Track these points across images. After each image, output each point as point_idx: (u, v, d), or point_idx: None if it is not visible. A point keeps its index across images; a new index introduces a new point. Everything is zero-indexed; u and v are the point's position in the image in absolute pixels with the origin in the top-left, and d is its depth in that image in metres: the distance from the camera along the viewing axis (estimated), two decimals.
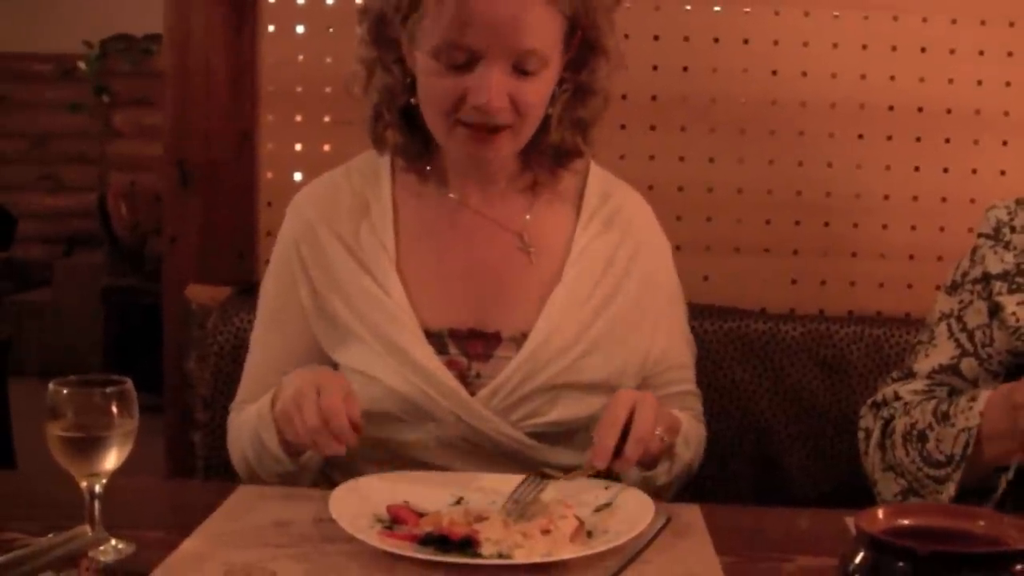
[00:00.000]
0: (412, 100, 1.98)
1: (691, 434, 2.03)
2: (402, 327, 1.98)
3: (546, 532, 1.61)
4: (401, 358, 1.96)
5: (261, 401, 1.95)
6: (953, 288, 2.10)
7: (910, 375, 2.10)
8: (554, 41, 1.92)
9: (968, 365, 2.05)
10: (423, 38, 1.89)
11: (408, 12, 1.90)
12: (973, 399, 1.91)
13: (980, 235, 2.08)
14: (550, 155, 2.06)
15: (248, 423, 1.97)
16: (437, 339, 1.99)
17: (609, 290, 2.05)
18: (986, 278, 2.04)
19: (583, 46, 1.98)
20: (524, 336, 2.00)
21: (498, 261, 2.05)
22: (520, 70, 1.88)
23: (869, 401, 2.14)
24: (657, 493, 1.93)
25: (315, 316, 2.03)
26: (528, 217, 2.08)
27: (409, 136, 2.02)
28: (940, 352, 2.08)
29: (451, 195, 2.07)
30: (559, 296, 2.02)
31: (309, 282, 2.04)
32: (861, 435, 2.12)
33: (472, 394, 1.97)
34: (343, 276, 2.02)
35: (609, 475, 1.82)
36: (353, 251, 2.03)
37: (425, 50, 1.89)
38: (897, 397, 2.07)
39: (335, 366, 2.02)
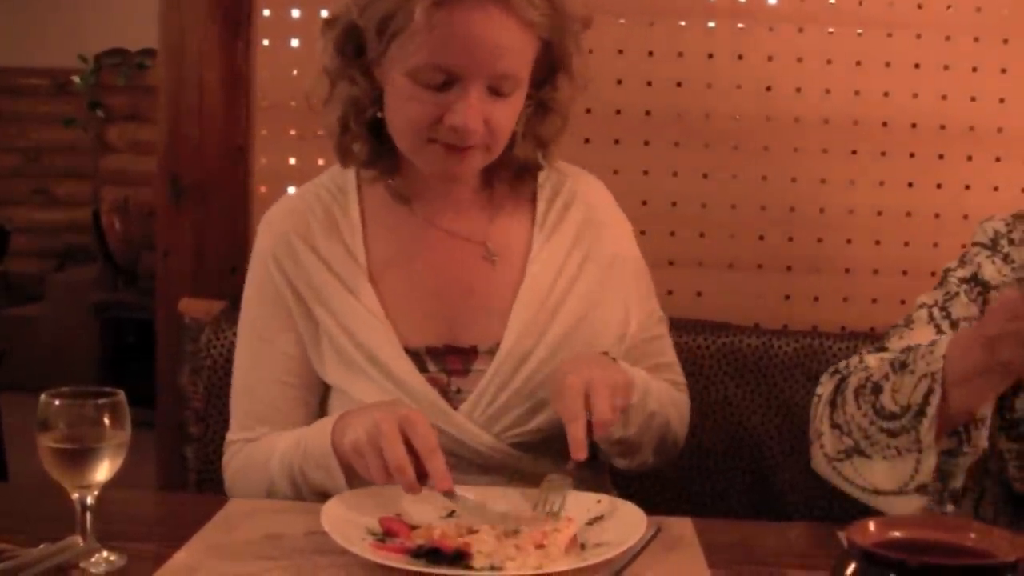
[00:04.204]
0: (379, 113, 1.98)
1: (653, 387, 2.02)
2: (383, 342, 1.98)
3: (540, 547, 1.61)
4: (383, 372, 1.96)
5: (300, 437, 1.92)
6: (939, 284, 2.05)
7: (881, 350, 2.02)
8: (528, 63, 1.93)
9: None
10: (400, 57, 1.88)
11: (387, 30, 1.88)
12: (933, 344, 1.82)
13: (975, 244, 2.02)
14: (511, 169, 2.07)
15: (275, 460, 1.94)
16: (416, 357, 1.99)
17: (571, 278, 2.06)
18: (976, 280, 1.98)
19: (548, 65, 1.98)
20: (499, 346, 2.00)
21: (466, 275, 2.05)
22: (495, 92, 1.88)
23: (831, 369, 2.04)
24: (634, 450, 1.99)
25: (303, 322, 2.03)
26: (490, 225, 2.08)
27: (376, 148, 2.02)
28: (916, 335, 1.98)
29: (415, 212, 2.07)
30: (523, 298, 2.02)
31: (294, 291, 2.03)
32: (815, 400, 2.01)
33: (454, 409, 1.97)
34: (322, 288, 2.02)
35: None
36: (329, 264, 2.03)
37: (401, 69, 1.89)
38: (860, 362, 1.99)
39: (323, 382, 2.04)
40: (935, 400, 1.75)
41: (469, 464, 1.95)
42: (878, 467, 1.82)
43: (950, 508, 1.80)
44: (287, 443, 1.94)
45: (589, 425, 1.79)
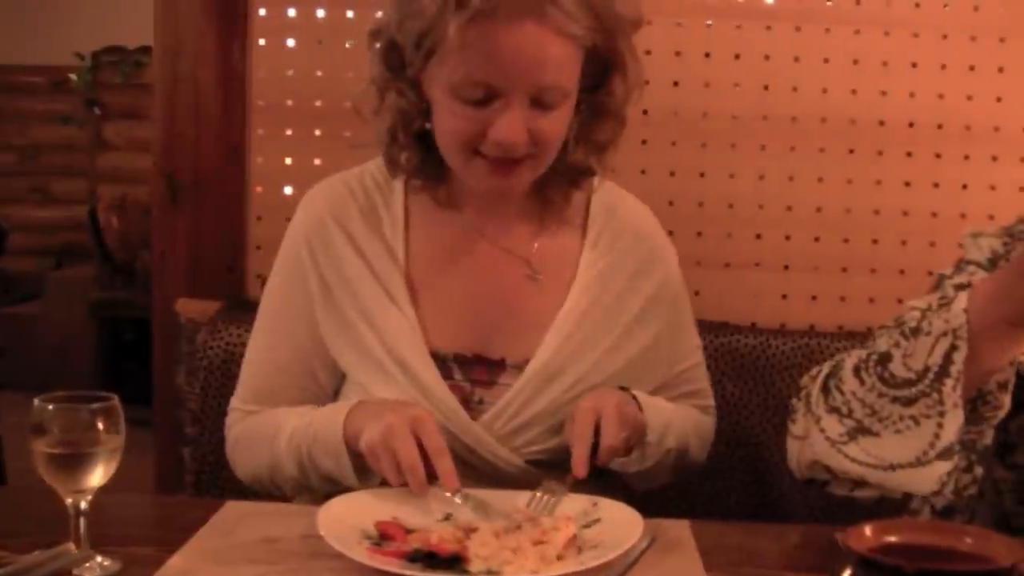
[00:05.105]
0: (427, 125, 1.96)
1: (676, 422, 2.02)
2: (409, 343, 1.97)
3: (539, 543, 1.60)
4: (406, 374, 1.96)
5: (310, 420, 1.93)
6: (933, 288, 1.95)
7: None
8: (574, 74, 1.89)
9: None
10: (439, 73, 1.87)
11: (424, 46, 1.86)
12: (946, 306, 1.71)
13: (971, 262, 1.94)
14: (564, 176, 2.04)
15: (283, 440, 1.95)
16: (442, 363, 1.98)
17: (613, 307, 2.05)
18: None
19: (600, 68, 1.95)
20: (527, 363, 1.99)
21: (507, 289, 2.04)
22: (539, 104, 1.85)
23: (811, 372, 1.94)
24: (650, 476, 1.99)
25: (323, 308, 2.02)
26: (536, 244, 2.07)
27: (424, 159, 2.00)
28: None
29: (464, 220, 2.05)
30: (562, 321, 2.02)
31: (319, 274, 2.02)
32: (794, 403, 1.92)
33: (474, 419, 1.96)
34: (352, 275, 2.01)
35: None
36: (363, 253, 2.02)
37: (442, 86, 1.87)
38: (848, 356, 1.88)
39: (340, 372, 2.03)
40: (960, 356, 1.65)
41: (481, 474, 1.94)
42: (889, 442, 1.72)
43: (979, 471, 1.71)
44: (296, 424, 1.95)
45: (595, 448, 1.82)
